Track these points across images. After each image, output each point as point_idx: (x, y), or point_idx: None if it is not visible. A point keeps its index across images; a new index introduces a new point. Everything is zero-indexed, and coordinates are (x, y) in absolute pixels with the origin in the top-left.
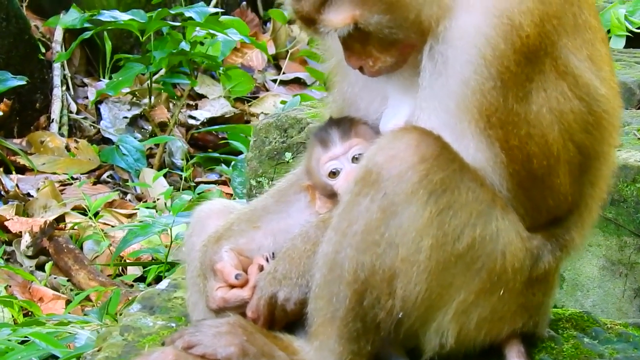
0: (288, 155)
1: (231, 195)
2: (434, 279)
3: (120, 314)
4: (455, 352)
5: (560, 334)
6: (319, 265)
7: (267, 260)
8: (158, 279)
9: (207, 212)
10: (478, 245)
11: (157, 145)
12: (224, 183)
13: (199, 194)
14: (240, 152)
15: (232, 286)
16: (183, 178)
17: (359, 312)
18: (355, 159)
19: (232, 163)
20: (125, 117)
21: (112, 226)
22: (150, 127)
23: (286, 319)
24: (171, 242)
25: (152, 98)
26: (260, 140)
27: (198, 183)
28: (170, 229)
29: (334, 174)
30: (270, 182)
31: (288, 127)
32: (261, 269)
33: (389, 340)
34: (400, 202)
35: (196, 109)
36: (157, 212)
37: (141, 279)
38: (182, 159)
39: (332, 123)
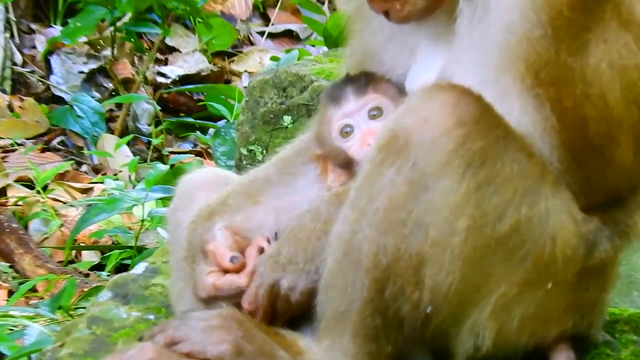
0: (287, 119)
1: None
2: (469, 268)
3: (75, 308)
4: (493, 356)
5: (618, 338)
6: (331, 248)
7: (269, 241)
8: (120, 268)
9: (196, 182)
10: (523, 228)
11: (119, 106)
12: (200, 154)
13: (171, 166)
14: (219, 118)
15: (226, 271)
16: (151, 147)
17: (379, 304)
18: (372, 117)
19: (215, 129)
20: (81, 72)
21: (64, 203)
22: (111, 85)
23: (290, 312)
24: (142, 221)
25: (115, 50)
26: (254, 101)
27: (169, 153)
28: (143, 205)
29: (346, 133)
30: (264, 151)
31: (287, 86)
32: (261, 251)
33: (413, 340)
34: (432, 174)
35: (166, 64)
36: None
37: (99, 267)
38: (150, 124)
39: (346, 79)
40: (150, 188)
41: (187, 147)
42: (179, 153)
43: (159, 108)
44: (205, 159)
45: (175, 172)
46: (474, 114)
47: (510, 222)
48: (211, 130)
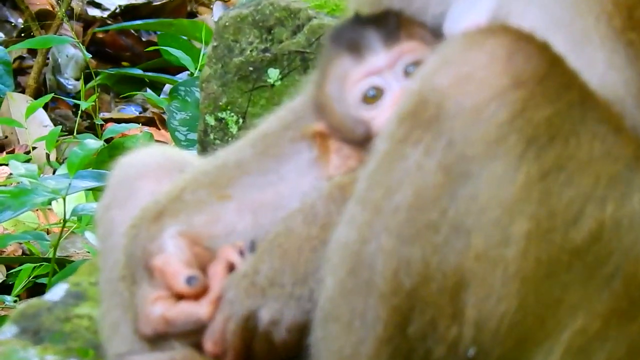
0: (273, 73)
1: (165, 144)
2: (531, 292)
3: None
4: None
5: None
6: (332, 263)
7: (242, 253)
8: (34, 290)
9: (138, 168)
10: (609, 234)
11: (32, 52)
12: (152, 122)
13: (107, 140)
14: (179, 69)
15: (181, 296)
16: (80, 111)
17: (401, 345)
18: (409, 74)
19: (172, 87)
20: None
21: None
22: (20, 21)
23: (273, 356)
24: (64, 222)
25: None
26: (225, 47)
27: (106, 121)
28: (64, 198)
29: (372, 98)
30: (240, 120)
31: (274, 24)
32: (232, 268)
33: None
34: (475, 157)
35: None
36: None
37: (2, 288)
38: (78, 79)
39: (365, 19)
40: (76, 174)
41: (133, 111)
42: (120, 121)
43: (91, 55)
44: (158, 129)
45: (113, 150)
46: (537, 70)
47: (589, 225)
48: (167, 88)
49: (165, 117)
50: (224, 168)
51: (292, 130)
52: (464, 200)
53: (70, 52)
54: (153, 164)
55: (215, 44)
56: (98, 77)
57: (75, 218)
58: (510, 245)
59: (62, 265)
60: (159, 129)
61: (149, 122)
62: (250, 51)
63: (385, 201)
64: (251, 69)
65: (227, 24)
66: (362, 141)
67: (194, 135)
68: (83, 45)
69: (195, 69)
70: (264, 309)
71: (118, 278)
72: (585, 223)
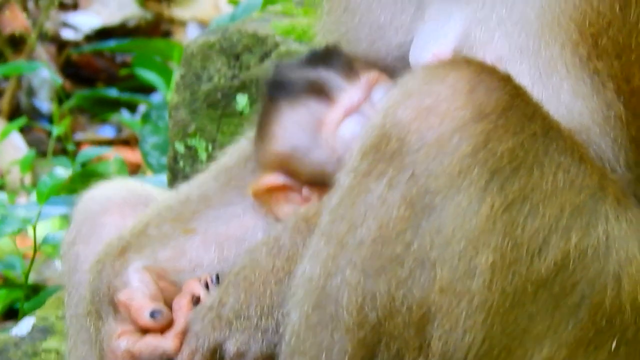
0: (242, 99)
1: (138, 168)
2: (497, 323)
3: None
4: None
5: None
6: (297, 297)
7: (207, 286)
8: (9, 315)
9: (102, 202)
10: (574, 264)
11: (5, 77)
12: (126, 143)
13: (83, 165)
14: (155, 89)
15: (146, 331)
16: (53, 134)
17: None
18: None
19: (144, 112)
20: None
21: None
22: None
23: None
24: (34, 250)
25: None
26: (194, 74)
27: (79, 143)
28: (34, 228)
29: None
30: (210, 146)
31: (242, 51)
32: (197, 301)
33: None
34: (439, 190)
35: (76, 9)
36: (7, 195)
37: None
38: (52, 101)
39: (304, 63)
40: (48, 200)
41: (109, 132)
42: (96, 143)
43: (65, 77)
44: (131, 148)
45: (85, 176)
46: (499, 101)
47: (554, 255)
48: (142, 108)
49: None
50: (187, 202)
51: (253, 162)
52: (428, 233)
53: (44, 74)
54: (117, 199)
55: (183, 71)
56: (72, 99)
57: (48, 244)
58: (476, 277)
59: (37, 291)
60: (132, 149)
61: (124, 142)
62: (219, 78)
63: (349, 235)
64: (220, 96)
65: (194, 51)
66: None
67: (165, 160)
68: (58, 67)
69: (167, 90)
70: (230, 342)
71: (84, 314)
72: (550, 253)
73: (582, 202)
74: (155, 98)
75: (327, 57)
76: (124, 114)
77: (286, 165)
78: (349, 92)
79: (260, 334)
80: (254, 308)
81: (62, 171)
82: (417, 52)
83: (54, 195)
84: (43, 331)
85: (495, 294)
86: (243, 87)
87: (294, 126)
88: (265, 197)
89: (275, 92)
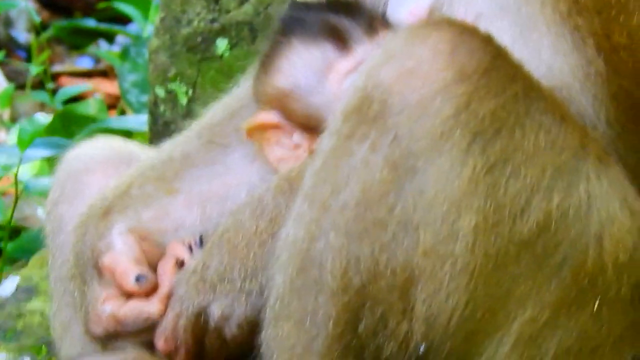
0: (222, 43)
1: (117, 100)
2: (480, 285)
3: None
4: None
5: None
6: (281, 261)
7: (191, 248)
8: None
9: (85, 161)
10: (556, 224)
11: None
12: (104, 74)
13: (64, 102)
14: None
15: (131, 295)
16: (32, 72)
17: (352, 342)
18: None
19: (122, 49)
20: None
21: None
22: None
23: (225, 352)
24: (16, 198)
25: None
26: (173, 18)
27: (57, 75)
28: (16, 176)
29: None
30: (190, 91)
31: None
32: (181, 264)
33: None
34: (421, 152)
35: None
36: None
37: None
38: (29, 32)
39: (329, 6)
40: (30, 145)
41: (87, 63)
42: (74, 75)
43: (42, 6)
44: (109, 79)
45: (65, 118)
46: (481, 63)
47: (536, 216)
48: (120, 39)
49: (117, 63)
50: (170, 161)
51: (237, 119)
52: (411, 196)
53: (21, 5)
54: (100, 158)
55: (162, 15)
56: (49, 30)
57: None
58: (458, 240)
59: (17, 232)
60: (110, 79)
61: (102, 73)
62: (198, 22)
63: (332, 199)
64: (199, 39)
65: None
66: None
67: (145, 98)
68: None
69: (144, 25)
70: (214, 305)
71: (68, 277)
72: (532, 215)
73: (564, 162)
74: (133, 28)
75: (351, 8)
76: (102, 45)
77: (284, 103)
78: (366, 46)
79: (244, 297)
80: (238, 271)
81: (42, 117)
82: (394, 8)
83: (40, 136)
84: (27, 291)
85: (478, 257)
86: (223, 31)
87: (304, 64)
88: (258, 134)
89: (291, 28)
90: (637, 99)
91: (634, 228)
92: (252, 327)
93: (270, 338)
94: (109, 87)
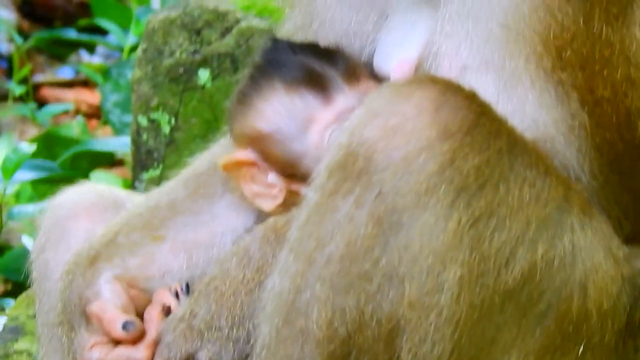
0: (203, 74)
1: (98, 110)
2: (465, 335)
3: None
4: None
5: None
6: (267, 311)
7: (178, 295)
8: None
9: (71, 207)
10: (540, 274)
11: None
12: (85, 84)
13: (45, 112)
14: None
15: (119, 342)
16: (14, 77)
17: None
18: None
19: (103, 69)
20: None
21: None
22: None
23: None
24: (0, 226)
25: None
26: (155, 49)
27: (38, 85)
28: (0, 205)
29: None
30: (172, 120)
31: (203, 27)
32: (168, 311)
33: None
34: (406, 208)
35: None
36: None
37: None
38: (9, 41)
39: (311, 50)
40: (17, 170)
41: (67, 74)
42: (55, 85)
43: (22, 16)
44: (92, 90)
45: (48, 141)
46: (465, 120)
47: (521, 267)
48: (100, 49)
49: (99, 78)
50: (156, 209)
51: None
52: (396, 250)
53: (1, 14)
54: (85, 203)
55: (144, 46)
56: (30, 40)
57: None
58: (444, 292)
59: (2, 250)
60: (90, 90)
61: (83, 83)
62: (180, 53)
63: (317, 252)
64: (182, 70)
65: (155, 27)
66: (302, 175)
67: (127, 117)
68: (14, 6)
69: (125, 41)
70: (202, 352)
71: (55, 323)
72: (517, 266)
73: (548, 214)
74: (114, 39)
75: (332, 54)
76: (83, 54)
77: (262, 145)
78: (347, 96)
79: (231, 344)
80: (225, 318)
81: (26, 146)
82: (380, 60)
83: (16, 169)
84: (14, 331)
85: (464, 307)
86: (204, 62)
87: (285, 111)
88: (234, 170)
89: (272, 69)
90: (620, 150)
91: (617, 276)
92: None
93: None
94: (90, 97)
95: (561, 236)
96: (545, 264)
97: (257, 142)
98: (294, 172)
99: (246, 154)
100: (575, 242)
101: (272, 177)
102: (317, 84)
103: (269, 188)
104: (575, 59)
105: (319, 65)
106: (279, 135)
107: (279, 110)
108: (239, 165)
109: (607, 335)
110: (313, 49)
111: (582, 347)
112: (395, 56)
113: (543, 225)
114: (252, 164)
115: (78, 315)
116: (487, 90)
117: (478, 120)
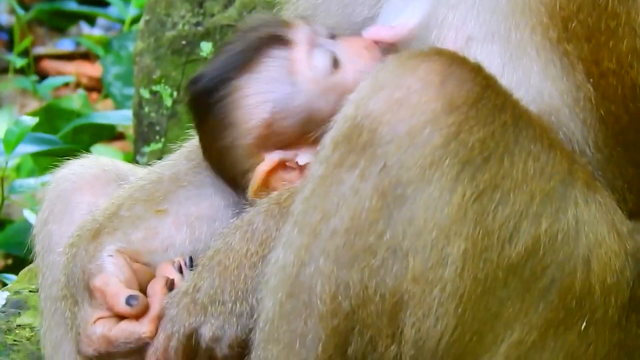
0: (206, 46)
1: (99, 83)
2: (468, 309)
3: None
4: None
5: None
6: (271, 285)
7: (181, 270)
8: None
9: (74, 180)
10: (544, 249)
11: None
12: (85, 56)
13: (46, 86)
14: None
15: (122, 316)
16: (14, 50)
17: None
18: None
19: (104, 41)
20: None
21: None
22: None
23: None
24: (2, 199)
25: None
26: (158, 21)
27: (39, 57)
28: (1, 180)
29: (332, 64)
30: (175, 92)
31: None
32: (171, 286)
33: None
34: (411, 181)
35: None
36: None
37: None
38: (10, 12)
39: (244, 34)
40: (20, 142)
41: (68, 46)
42: (56, 57)
43: None
44: (93, 62)
45: (49, 113)
46: (470, 93)
47: (525, 242)
48: (101, 21)
49: (99, 50)
50: (159, 182)
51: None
52: (400, 224)
53: None
54: (88, 177)
55: (147, 18)
56: (30, 12)
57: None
58: (448, 266)
59: (3, 225)
60: (91, 62)
61: (84, 56)
62: (183, 25)
63: (322, 225)
64: (184, 42)
65: None
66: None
67: (129, 90)
68: None
69: (125, 14)
70: (205, 327)
71: (59, 297)
72: (520, 240)
73: (552, 188)
74: (114, 11)
75: (262, 23)
76: (83, 27)
77: (275, 133)
78: (301, 32)
79: (235, 318)
80: (229, 293)
81: (28, 119)
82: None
83: (17, 144)
84: (17, 305)
85: (467, 282)
86: (207, 34)
87: (265, 83)
88: (265, 188)
89: (233, 70)
90: (626, 123)
91: (621, 251)
92: (243, 347)
93: (261, 359)
94: (91, 69)
95: (565, 210)
96: (549, 238)
97: (268, 134)
98: (316, 130)
99: (269, 159)
100: (579, 216)
101: (303, 157)
102: (273, 39)
103: (302, 170)
104: (581, 30)
105: (261, 31)
106: (280, 107)
107: (261, 88)
108: (269, 176)
109: (611, 310)
110: (245, 32)
111: (585, 321)
112: (397, 19)
113: (547, 199)
114: (280, 164)
115: (81, 289)
116: (493, 61)
117: (483, 93)
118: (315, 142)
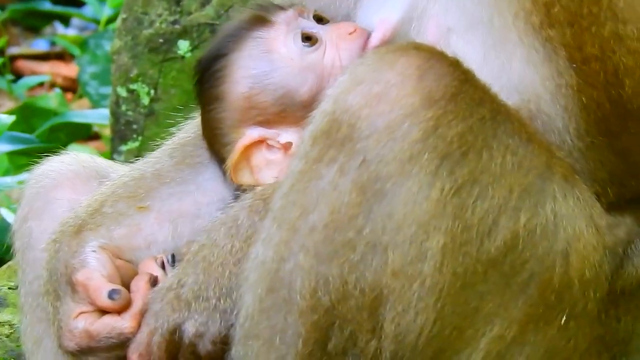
0: (183, 44)
1: (74, 83)
2: (448, 304)
3: None
4: None
5: None
6: (250, 280)
7: (164, 266)
8: None
9: (54, 177)
10: (523, 243)
11: None
12: (60, 57)
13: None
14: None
15: (104, 311)
16: None
17: None
18: (319, 21)
19: (80, 41)
20: None
21: None
22: None
23: None
24: None
25: None
26: (135, 19)
27: (14, 58)
28: None
29: (308, 39)
30: (152, 91)
31: None
32: (154, 282)
33: None
34: (389, 175)
35: None
36: None
37: None
38: None
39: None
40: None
41: (43, 46)
42: (31, 57)
43: None
44: (68, 62)
45: (25, 112)
46: (448, 87)
47: (503, 236)
48: (75, 21)
49: (75, 50)
50: (142, 179)
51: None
52: (379, 218)
53: None
54: (68, 173)
55: (124, 16)
56: (4, 12)
57: None
58: (427, 260)
59: None
60: (66, 62)
61: (58, 56)
62: (160, 23)
63: (301, 221)
64: (161, 41)
65: None
66: (309, 103)
67: (105, 90)
68: None
69: (100, 13)
70: (189, 322)
71: (40, 293)
72: (499, 234)
73: (530, 182)
74: (89, 11)
75: (255, 7)
76: (58, 27)
77: (255, 108)
78: (283, 15)
79: (218, 314)
80: (213, 289)
81: (4, 117)
82: (364, 16)
83: (8, 130)
84: None
85: (446, 276)
86: (184, 33)
87: (249, 60)
88: (244, 163)
89: (225, 47)
90: (607, 111)
91: (599, 245)
92: (226, 343)
93: (240, 356)
94: (65, 69)
95: (543, 204)
96: (528, 232)
97: (249, 108)
98: (295, 109)
99: (249, 134)
100: (557, 210)
101: (285, 135)
102: (256, 20)
103: (286, 149)
104: (564, 15)
105: (247, 14)
106: (258, 83)
107: (243, 65)
108: (248, 150)
109: (590, 304)
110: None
111: (565, 316)
112: (376, 18)
113: (525, 194)
114: (259, 141)
115: (64, 284)
116: (475, 47)
117: (461, 88)
118: (299, 122)
